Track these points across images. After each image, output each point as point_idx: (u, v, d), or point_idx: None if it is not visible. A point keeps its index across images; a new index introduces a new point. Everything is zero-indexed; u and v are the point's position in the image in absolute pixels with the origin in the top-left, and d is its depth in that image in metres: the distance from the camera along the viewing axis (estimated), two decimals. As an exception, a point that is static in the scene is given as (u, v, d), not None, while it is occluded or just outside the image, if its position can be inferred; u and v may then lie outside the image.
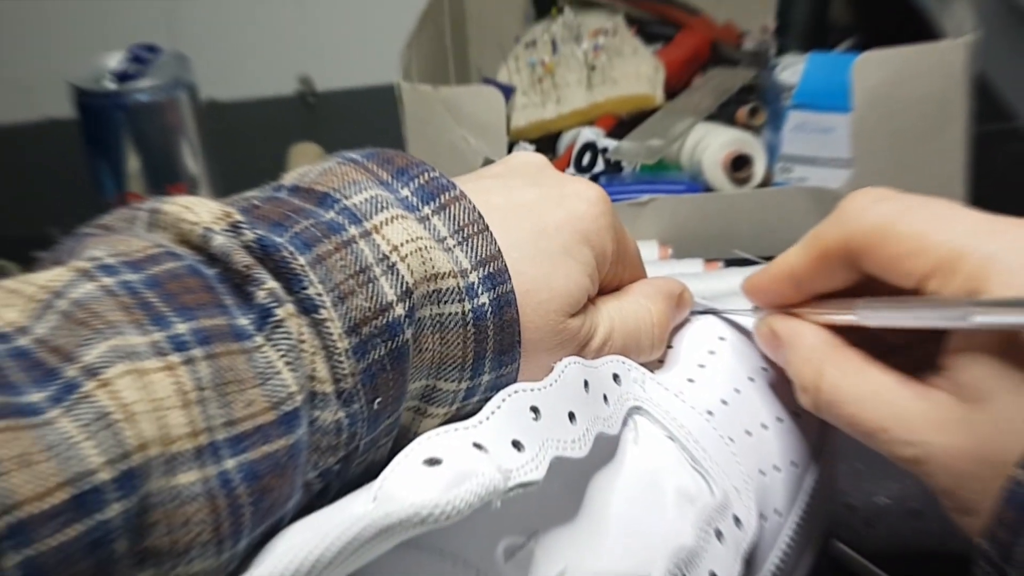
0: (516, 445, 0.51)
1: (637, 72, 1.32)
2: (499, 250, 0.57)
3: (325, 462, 0.51)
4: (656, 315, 0.65)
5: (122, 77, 1.12)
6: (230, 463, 0.45)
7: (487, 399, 0.55)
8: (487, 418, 0.51)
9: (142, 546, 0.42)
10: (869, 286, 0.59)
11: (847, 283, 0.60)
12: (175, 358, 0.45)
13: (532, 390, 0.54)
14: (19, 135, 1.82)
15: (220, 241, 0.49)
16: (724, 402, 0.64)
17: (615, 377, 0.59)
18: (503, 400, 0.52)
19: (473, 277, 0.56)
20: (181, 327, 0.46)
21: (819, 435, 0.66)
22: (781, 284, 0.63)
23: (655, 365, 0.66)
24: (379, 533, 0.43)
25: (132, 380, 0.43)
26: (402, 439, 0.57)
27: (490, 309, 0.56)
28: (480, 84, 1.35)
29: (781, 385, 0.66)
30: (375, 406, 0.52)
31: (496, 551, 0.51)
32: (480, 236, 0.57)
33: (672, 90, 1.32)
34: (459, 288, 0.55)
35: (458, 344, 0.56)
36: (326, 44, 1.84)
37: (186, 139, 1.14)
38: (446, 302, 0.55)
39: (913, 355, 0.58)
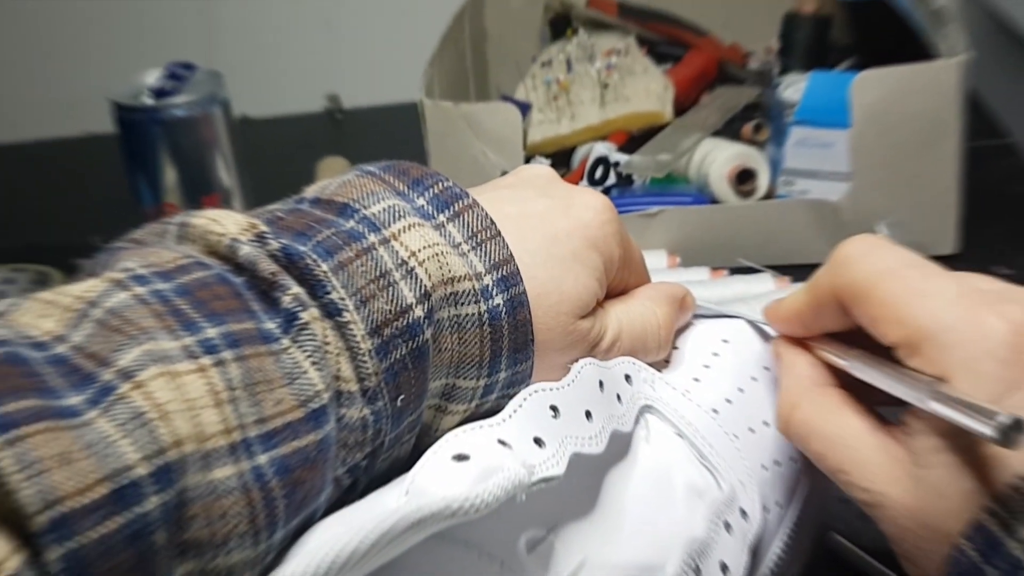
0: (538, 442, 0.51)
1: (647, 90, 1.32)
2: (511, 254, 0.57)
3: (353, 458, 0.51)
4: (662, 318, 0.66)
5: (159, 93, 1.13)
6: (263, 458, 0.46)
7: (504, 396, 0.56)
8: (510, 416, 0.52)
9: (182, 538, 0.42)
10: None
11: (846, 326, 0.61)
12: (206, 360, 0.45)
13: (551, 389, 0.54)
14: (63, 149, 1.82)
15: (246, 251, 0.50)
16: (728, 401, 0.64)
17: (627, 377, 0.60)
18: (524, 399, 0.53)
19: (487, 280, 0.56)
20: (211, 331, 0.47)
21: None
22: (791, 322, 0.64)
23: (661, 365, 0.66)
24: (412, 526, 0.44)
25: (165, 382, 0.43)
26: (424, 436, 0.57)
27: (504, 309, 0.56)
28: (498, 101, 1.35)
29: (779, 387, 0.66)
30: (398, 403, 0.52)
31: (519, 543, 0.52)
32: (493, 241, 0.57)
33: (681, 107, 1.33)
34: (475, 290, 0.56)
35: (475, 343, 0.56)
36: (353, 64, 1.84)
37: (220, 152, 1.14)
38: (463, 304, 0.55)
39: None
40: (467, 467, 0.48)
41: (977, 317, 0.53)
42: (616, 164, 1.24)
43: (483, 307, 0.56)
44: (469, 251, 0.57)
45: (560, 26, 1.50)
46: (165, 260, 0.49)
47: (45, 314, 0.45)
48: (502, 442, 0.50)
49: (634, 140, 1.29)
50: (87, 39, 1.84)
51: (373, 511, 0.47)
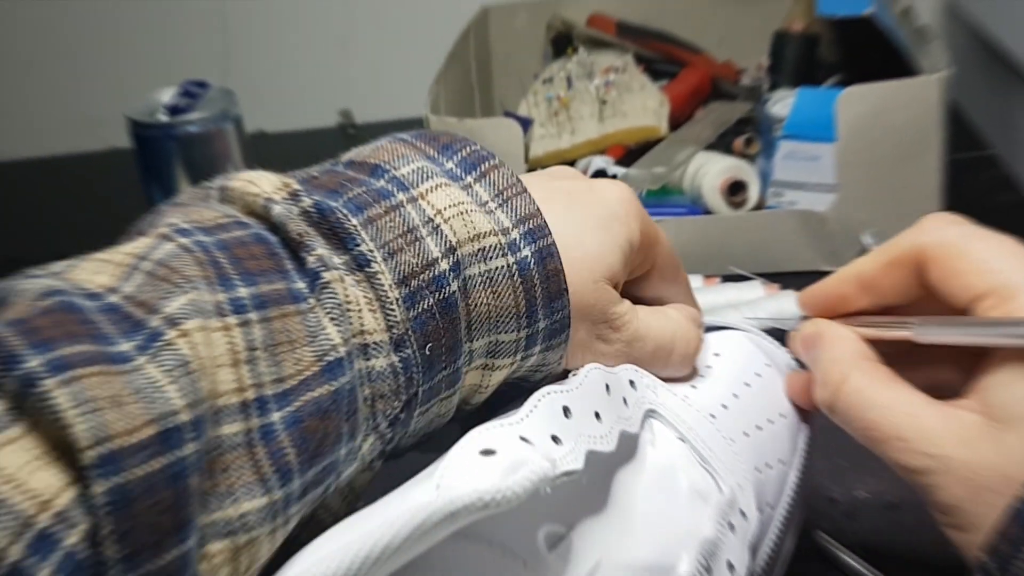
0: (555, 439, 0.52)
1: (644, 106, 1.32)
2: (537, 209, 0.57)
3: (390, 407, 0.52)
4: (693, 335, 0.66)
5: (174, 111, 1.13)
6: (276, 415, 0.46)
7: (548, 347, 0.57)
8: (527, 416, 0.52)
9: (202, 487, 0.43)
10: (920, 309, 0.59)
11: (907, 296, 0.60)
12: (232, 319, 0.46)
13: (562, 392, 0.54)
14: (87, 163, 1.83)
15: (279, 210, 0.51)
16: (724, 407, 0.64)
17: (631, 383, 0.60)
18: (538, 401, 0.53)
19: (515, 234, 0.56)
20: (243, 291, 0.47)
21: (797, 436, 0.66)
22: (846, 285, 0.63)
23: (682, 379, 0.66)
24: (445, 519, 0.44)
25: (203, 336, 0.44)
26: (474, 395, 0.59)
27: (533, 260, 0.56)
28: (500, 117, 1.35)
29: (768, 393, 0.67)
30: (427, 351, 0.53)
31: (539, 542, 0.52)
32: (519, 197, 0.58)
33: (676, 122, 1.33)
34: (501, 244, 0.56)
35: (509, 295, 0.56)
36: (365, 81, 1.85)
37: (232, 166, 1.14)
38: (491, 258, 0.55)
39: (934, 392, 0.57)
40: (495, 461, 0.47)
41: None
42: (614, 176, 1.24)
43: (511, 259, 0.56)
44: (496, 208, 0.57)
45: (561, 45, 1.51)
46: (207, 218, 0.50)
47: (99, 271, 0.46)
48: (523, 439, 0.50)
49: (631, 153, 1.29)
50: (111, 59, 1.84)
51: (404, 505, 0.47)
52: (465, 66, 1.42)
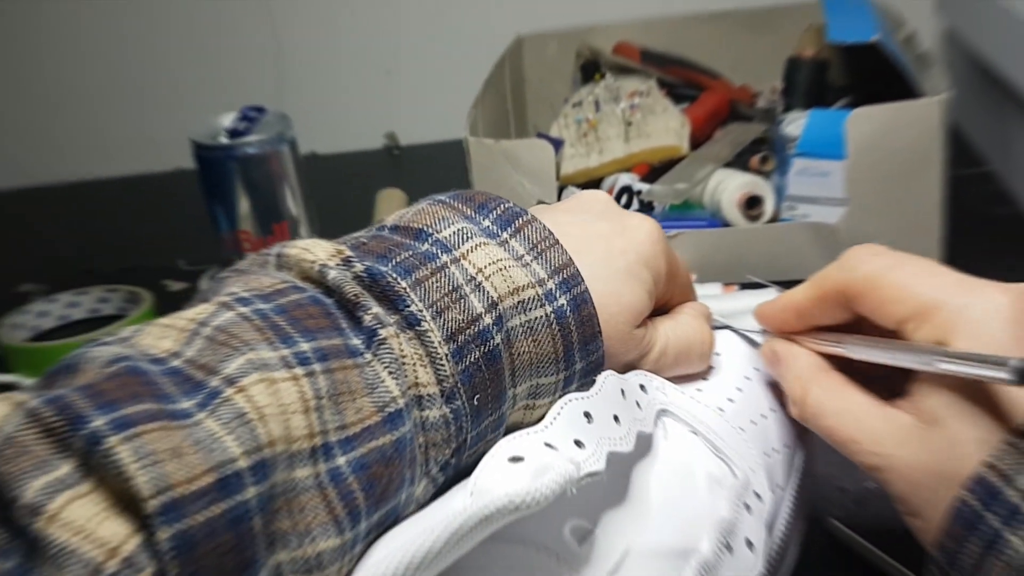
0: (578, 443, 0.52)
1: (667, 127, 1.32)
2: (570, 259, 0.58)
3: (442, 454, 0.52)
4: (705, 334, 0.67)
5: (234, 133, 1.13)
6: (341, 460, 0.46)
7: (584, 384, 0.57)
8: (551, 423, 0.52)
9: (271, 528, 0.43)
10: (857, 326, 0.61)
11: (840, 320, 0.62)
12: (299, 371, 0.46)
13: (582, 398, 0.54)
14: (153, 183, 1.84)
15: (334, 275, 0.51)
16: (731, 400, 0.65)
17: (642, 387, 0.60)
18: (562, 408, 0.53)
19: (550, 284, 0.56)
20: (304, 345, 0.48)
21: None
22: (786, 314, 0.65)
23: (698, 377, 0.67)
24: (480, 522, 0.44)
25: (264, 387, 0.44)
26: (516, 430, 0.58)
27: (569, 308, 0.56)
28: (534, 138, 1.36)
29: (770, 383, 0.67)
30: (475, 402, 0.53)
31: (568, 537, 0.52)
32: (552, 249, 0.58)
33: (696, 142, 1.33)
34: (539, 295, 0.56)
35: (548, 343, 0.56)
36: (408, 106, 1.85)
37: (288, 185, 1.14)
38: (530, 309, 0.55)
39: (887, 385, 0.59)
40: (523, 467, 0.48)
41: (980, 289, 0.55)
42: (639, 192, 1.24)
43: (549, 309, 0.56)
44: (531, 261, 0.57)
45: (590, 71, 1.51)
46: (265, 285, 0.51)
47: (163, 336, 0.46)
48: (548, 445, 0.50)
49: (655, 171, 1.29)
50: (177, 87, 1.85)
51: (442, 513, 0.47)
52: (501, 91, 1.43)
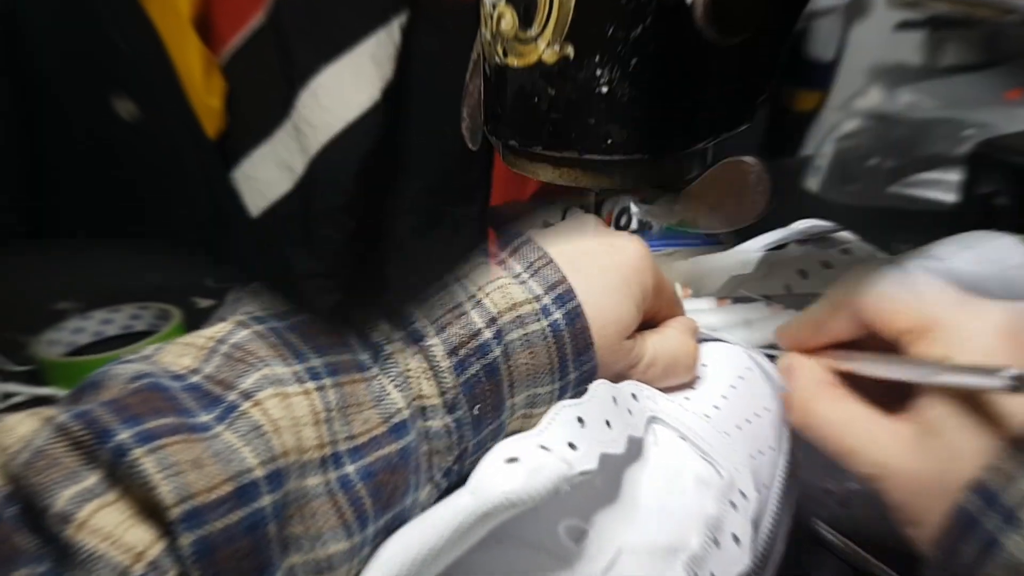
0: (571, 445, 0.52)
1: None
2: (564, 276, 0.58)
3: (444, 462, 0.53)
4: (691, 347, 0.67)
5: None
6: (350, 468, 0.47)
7: (578, 392, 0.57)
8: (546, 427, 0.53)
9: (285, 533, 0.44)
10: (872, 342, 0.60)
11: (853, 333, 0.61)
12: (310, 385, 0.47)
13: (576, 404, 0.55)
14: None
15: None
16: (716, 407, 0.65)
17: (633, 395, 0.61)
18: (556, 414, 0.54)
19: (546, 300, 0.57)
20: (316, 361, 0.48)
21: (781, 427, 0.67)
22: (804, 329, 0.64)
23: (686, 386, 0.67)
24: (480, 519, 0.45)
25: (278, 401, 0.45)
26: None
27: (564, 321, 0.57)
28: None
29: (753, 391, 0.68)
30: (476, 412, 0.54)
31: (563, 535, 0.53)
32: (547, 267, 0.58)
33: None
34: (535, 310, 0.56)
35: (544, 355, 0.57)
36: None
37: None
38: (527, 323, 0.56)
39: (898, 398, 0.58)
40: (518, 467, 0.48)
41: (977, 306, 0.55)
42: (637, 213, 1.25)
43: (545, 323, 0.57)
44: (528, 278, 0.58)
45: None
46: (278, 304, 0.52)
47: (183, 353, 0.47)
48: (543, 447, 0.51)
49: (652, 193, 1.29)
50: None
51: (445, 511, 0.48)
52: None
